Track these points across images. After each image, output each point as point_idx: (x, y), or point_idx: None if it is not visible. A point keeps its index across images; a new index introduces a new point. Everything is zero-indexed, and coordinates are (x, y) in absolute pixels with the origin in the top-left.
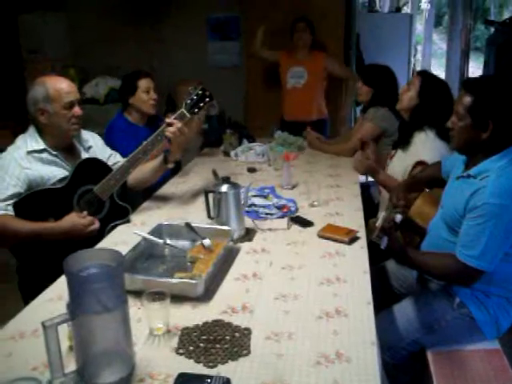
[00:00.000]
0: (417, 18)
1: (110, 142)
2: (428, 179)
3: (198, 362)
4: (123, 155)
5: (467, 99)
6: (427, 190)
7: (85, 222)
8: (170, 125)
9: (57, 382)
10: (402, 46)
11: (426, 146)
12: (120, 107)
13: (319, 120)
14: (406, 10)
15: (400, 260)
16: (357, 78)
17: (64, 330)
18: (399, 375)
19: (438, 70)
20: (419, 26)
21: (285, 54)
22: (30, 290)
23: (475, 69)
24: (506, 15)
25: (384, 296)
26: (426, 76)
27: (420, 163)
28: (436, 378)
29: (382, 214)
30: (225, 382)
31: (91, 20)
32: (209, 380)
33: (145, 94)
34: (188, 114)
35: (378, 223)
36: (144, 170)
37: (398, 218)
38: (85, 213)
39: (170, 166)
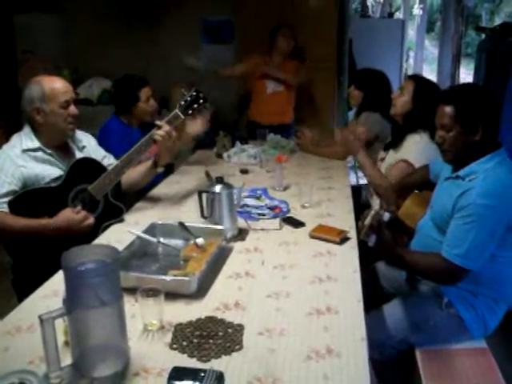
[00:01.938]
0: (409, 24)
1: (104, 143)
2: (417, 183)
3: (192, 357)
4: (117, 157)
5: (449, 109)
6: (416, 191)
7: (79, 217)
8: (159, 128)
9: (53, 375)
10: (394, 52)
11: (417, 147)
12: (114, 109)
13: (287, 124)
14: (399, 15)
15: (387, 258)
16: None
17: (60, 326)
18: (388, 373)
19: (430, 76)
20: (411, 32)
21: (259, 60)
22: (25, 288)
23: (466, 74)
24: (497, 22)
25: (374, 296)
26: (419, 80)
27: (404, 161)
28: (424, 376)
29: (370, 213)
30: (218, 376)
31: (86, 21)
32: (202, 374)
33: (145, 104)
34: (182, 116)
35: (367, 221)
36: (134, 174)
37: (386, 216)
38: (78, 207)
39: (160, 169)
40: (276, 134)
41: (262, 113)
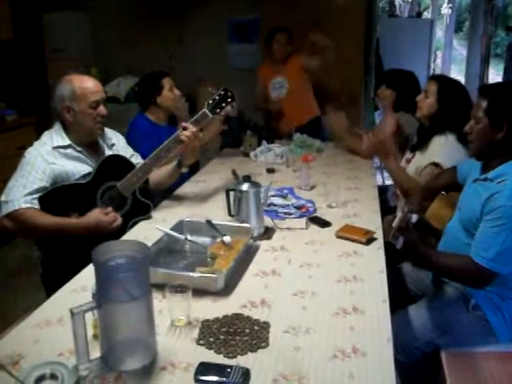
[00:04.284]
0: (437, 24)
1: (132, 141)
2: (444, 185)
3: (218, 353)
4: (145, 155)
5: (483, 103)
6: (443, 193)
7: (108, 218)
8: (185, 129)
9: (82, 367)
10: (421, 52)
11: (444, 149)
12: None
13: (312, 120)
14: (427, 15)
15: (415, 260)
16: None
17: (89, 319)
18: (412, 375)
19: (458, 76)
20: (439, 32)
21: (263, 67)
22: (53, 282)
23: (495, 75)
24: None
25: (400, 298)
26: (442, 80)
27: (433, 164)
28: (449, 379)
29: (398, 215)
30: (244, 373)
31: (113, 20)
32: (229, 370)
33: (170, 93)
34: (210, 114)
35: (395, 223)
36: (160, 174)
37: (414, 218)
38: (109, 209)
39: (184, 170)
40: (303, 133)
41: (279, 120)
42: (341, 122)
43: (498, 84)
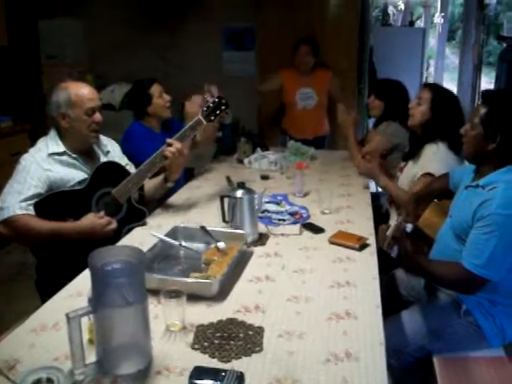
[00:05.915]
0: (430, 32)
1: (128, 148)
2: (436, 192)
3: (213, 357)
4: (141, 160)
5: (482, 110)
6: (436, 201)
7: (103, 221)
8: (169, 145)
9: (78, 371)
10: (414, 60)
11: (436, 158)
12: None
13: (319, 137)
14: (420, 24)
15: (409, 268)
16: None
17: (85, 324)
18: (405, 380)
19: (450, 84)
20: (432, 40)
21: (289, 73)
22: (48, 288)
23: (487, 83)
24: None
25: (393, 304)
26: (435, 89)
27: (427, 174)
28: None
29: (392, 224)
30: (238, 376)
31: (108, 27)
32: (223, 374)
33: (160, 100)
34: (204, 121)
35: (389, 233)
36: (147, 187)
37: (409, 227)
38: (102, 213)
39: (170, 185)
40: (310, 146)
41: (295, 127)
42: (349, 114)
43: (500, 92)
